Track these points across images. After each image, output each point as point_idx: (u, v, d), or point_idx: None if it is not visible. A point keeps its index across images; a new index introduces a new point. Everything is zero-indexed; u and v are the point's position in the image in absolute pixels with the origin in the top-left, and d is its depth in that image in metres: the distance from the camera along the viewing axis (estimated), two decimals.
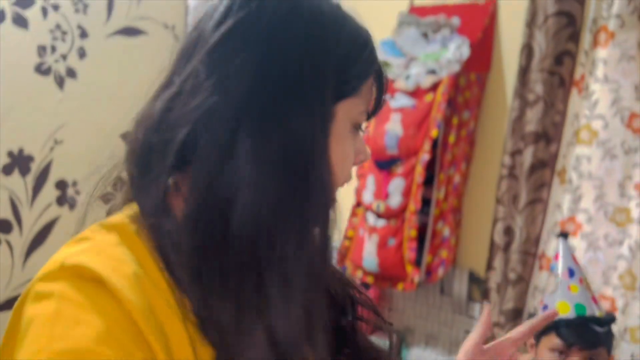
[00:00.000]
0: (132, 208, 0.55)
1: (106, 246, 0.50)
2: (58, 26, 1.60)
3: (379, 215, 1.81)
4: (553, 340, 1.16)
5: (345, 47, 0.55)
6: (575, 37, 1.63)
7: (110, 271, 0.47)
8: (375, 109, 0.62)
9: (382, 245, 1.79)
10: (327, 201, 0.53)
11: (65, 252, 0.50)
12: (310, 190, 0.51)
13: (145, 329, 0.46)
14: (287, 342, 0.49)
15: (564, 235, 1.26)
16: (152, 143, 0.53)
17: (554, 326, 1.15)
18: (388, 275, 1.82)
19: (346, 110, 0.56)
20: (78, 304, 0.46)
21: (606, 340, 1.18)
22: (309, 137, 0.51)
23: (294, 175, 0.51)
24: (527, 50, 1.66)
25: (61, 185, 1.64)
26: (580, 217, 1.64)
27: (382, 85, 0.61)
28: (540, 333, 1.19)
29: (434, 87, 1.75)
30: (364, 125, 0.61)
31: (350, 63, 0.55)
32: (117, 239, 0.51)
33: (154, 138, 0.53)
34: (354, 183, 1.89)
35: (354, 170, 1.88)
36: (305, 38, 0.53)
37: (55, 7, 1.59)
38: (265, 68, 0.51)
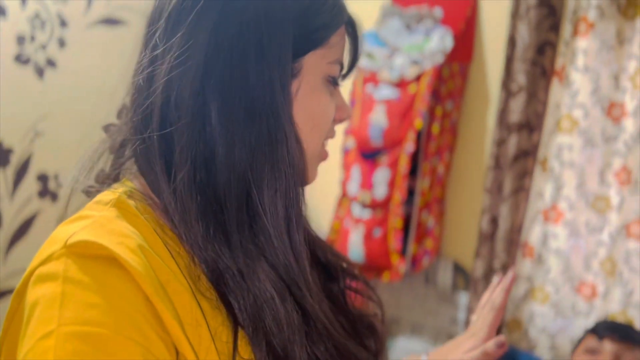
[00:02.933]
0: (125, 185, 0.55)
1: (106, 221, 0.49)
2: (37, 15, 1.57)
3: (364, 206, 1.82)
4: (587, 341, 1.19)
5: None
6: (555, 28, 1.65)
7: (116, 245, 0.46)
8: (352, 62, 0.61)
9: (368, 236, 1.80)
10: (295, 154, 0.54)
11: (64, 231, 0.49)
12: (277, 145, 0.52)
13: (157, 302, 0.46)
14: (288, 275, 0.52)
15: None
16: (140, 119, 0.53)
17: (590, 329, 1.19)
18: (374, 265, 1.82)
19: (314, 63, 0.55)
20: (86, 285, 0.44)
21: None
22: (269, 93, 0.52)
23: (257, 130, 0.52)
24: (512, 41, 1.68)
25: (42, 178, 1.61)
26: (562, 205, 1.66)
27: (357, 37, 0.60)
28: (578, 342, 1.23)
29: (418, 78, 1.76)
30: (340, 80, 0.61)
31: (311, 14, 0.54)
32: (115, 213, 0.50)
33: (142, 114, 0.53)
34: (338, 174, 1.89)
35: (339, 161, 1.89)
36: None
37: None
38: (220, 27, 0.51)
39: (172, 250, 0.51)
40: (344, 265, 0.67)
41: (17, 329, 0.46)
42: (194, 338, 0.47)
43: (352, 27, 0.60)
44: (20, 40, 1.55)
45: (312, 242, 0.64)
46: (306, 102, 0.55)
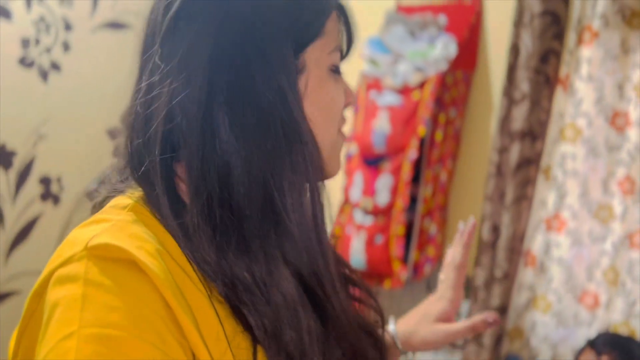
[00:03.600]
0: (140, 190, 0.54)
1: (125, 225, 0.49)
2: (42, 19, 1.57)
3: (366, 213, 1.82)
4: (585, 355, 1.18)
5: None
6: (560, 36, 1.65)
7: (136, 249, 0.46)
8: (349, 45, 0.61)
9: (369, 243, 1.79)
10: (312, 151, 0.54)
11: (83, 233, 0.48)
12: (294, 146, 0.52)
13: (176, 307, 0.46)
14: (311, 277, 0.52)
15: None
16: (141, 142, 0.53)
17: (590, 342, 1.17)
18: (375, 272, 1.82)
19: (316, 56, 0.56)
20: (107, 288, 0.45)
21: None
22: (279, 97, 0.52)
23: (273, 135, 0.52)
24: (515, 49, 1.68)
25: (45, 180, 1.61)
26: (565, 214, 1.66)
27: (348, 18, 0.60)
28: (577, 354, 1.22)
29: (421, 85, 1.76)
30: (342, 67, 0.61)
31: (302, 7, 0.55)
32: (133, 218, 0.50)
33: (142, 136, 0.53)
34: (341, 180, 1.89)
35: (342, 167, 1.89)
36: None
37: None
38: (217, 38, 0.51)
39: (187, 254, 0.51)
40: (347, 272, 0.67)
41: (35, 329, 0.46)
42: (211, 343, 0.47)
43: (341, 11, 0.60)
44: (25, 43, 1.56)
45: None
46: (316, 96, 0.56)
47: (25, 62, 1.57)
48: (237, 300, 0.50)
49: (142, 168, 0.52)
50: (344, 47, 0.61)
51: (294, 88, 0.53)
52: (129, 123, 0.55)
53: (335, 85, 0.58)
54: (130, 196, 0.54)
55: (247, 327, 0.50)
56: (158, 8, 0.54)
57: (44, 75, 1.61)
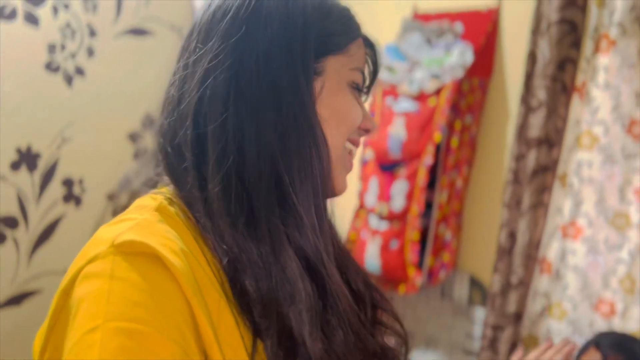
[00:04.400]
0: (163, 192, 0.57)
1: (150, 224, 0.51)
2: (68, 25, 1.62)
3: (381, 218, 1.83)
4: (590, 355, 1.17)
5: (324, 8, 0.60)
6: (577, 44, 1.66)
7: (160, 246, 0.48)
8: (373, 75, 0.66)
9: (384, 248, 1.81)
10: (319, 141, 0.57)
11: (109, 231, 0.50)
12: (303, 132, 0.56)
13: (195, 305, 0.47)
14: (315, 255, 0.54)
15: None
16: (173, 124, 0.57)
17: (594, 341, 1.16)
18: (390, 277, 1.83)
19: (336, 67, 0.60)
20: (132, 283, 0.46)
21: None
22: (294, 86, 0.56)
23: (287, 119, 0.56)
24: (532, 57, 1.69)
25: (67, 182, 1.65)
26: (581, 221, 1.65)
27: (375, 52, 0.66)
28: (580, 352, 1.21)
29: (437, 92, 1.77)
30: (364, 92, 0.66)
31: (329, 22, 0.60)
32: (158, 217, 0.52)
33: (174, 119, 0.57)
34: (356, 186, 1.90)
35: (357, 172, 1.90)
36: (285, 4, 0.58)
37: (66, 6, 1.61)
38: (250, 31, 0.56)
39: (209, 257, 0.52)
40: (376, 296, 0.67)
41: (63, 326, 0.47)
42: (225, 344, 0.48)
43: (369, 45, 0.65)
44: (51, 48, 1.60)
45: (347, 265, 0.66)
46: (331, 100, 0.59)
47: (51, 67, 1.61)
48: (239, 272, 0.52)
49: (176, 140, 0.56)
50: (368, 76, 0.66)
51: (308, 82, 0.57)
52: (166, 107, 0.59)
53: (352, 100, 0.62)
54: (155, 197, 0.56)
55: (248, 310, 0.51)
56: (214, 12, 0.59)
57: (68, 80, 1.65)
